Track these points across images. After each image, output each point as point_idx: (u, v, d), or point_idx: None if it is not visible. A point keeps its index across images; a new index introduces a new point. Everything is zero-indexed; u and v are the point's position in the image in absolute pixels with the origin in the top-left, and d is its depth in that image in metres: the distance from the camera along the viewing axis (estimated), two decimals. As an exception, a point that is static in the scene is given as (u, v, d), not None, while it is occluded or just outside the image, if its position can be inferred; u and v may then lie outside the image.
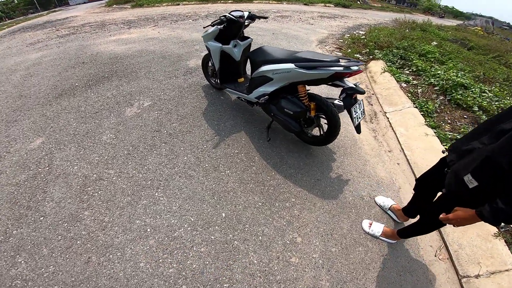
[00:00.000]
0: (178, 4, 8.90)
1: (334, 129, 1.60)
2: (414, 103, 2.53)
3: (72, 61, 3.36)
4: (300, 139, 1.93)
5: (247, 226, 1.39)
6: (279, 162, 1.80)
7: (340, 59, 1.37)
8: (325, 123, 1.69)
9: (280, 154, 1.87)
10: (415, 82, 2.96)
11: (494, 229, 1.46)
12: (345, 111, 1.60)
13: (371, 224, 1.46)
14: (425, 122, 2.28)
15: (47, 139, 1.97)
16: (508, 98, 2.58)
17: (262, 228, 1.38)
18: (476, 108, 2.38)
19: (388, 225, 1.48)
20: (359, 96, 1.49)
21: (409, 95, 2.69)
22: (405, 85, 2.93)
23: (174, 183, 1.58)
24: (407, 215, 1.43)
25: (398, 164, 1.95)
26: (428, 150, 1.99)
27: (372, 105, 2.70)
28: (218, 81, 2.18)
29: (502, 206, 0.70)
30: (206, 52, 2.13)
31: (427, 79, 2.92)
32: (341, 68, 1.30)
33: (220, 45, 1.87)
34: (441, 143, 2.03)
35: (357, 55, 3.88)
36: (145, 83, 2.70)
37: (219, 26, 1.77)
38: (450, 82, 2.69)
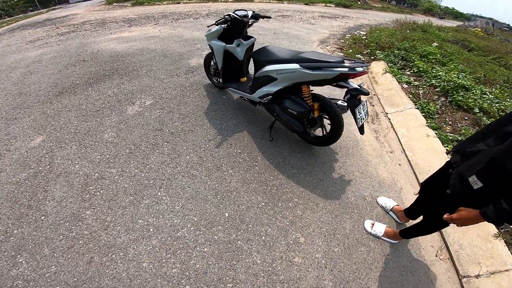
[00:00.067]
0: (179, 3, 8.86)
1: (337, 130, 1.60)
2: (415, 104, 2.54)
3: (72, 59, 3.33)
4: (303, 139, 1.93)
5: (250, 226, 1.39)
6: (281, 162, 1.80)
7: (344, 60, 1.36)
8: (328, 124, 1.69)
9: (283, 154, 1.87)
10: (416, 83, 2.96)
11: (494, 230, 1.47)
12: (348, 112, 1.61)
13: (373, 225, 1.47)
14: (426, 123, 2.28)
15: (48, 137, 1.95)
16: (508, 100, 2.59)
17: (265, 228, 1.38)
18: (477, 110, 2.39)
19: (390, 225, 1.48)
20: (362, 97, 1.49)
21: (411, 96, 2.69)
22: (407, 86, 2.94)
23: (176, 182, 1.58)
24: (409, 216, 1.44)
25: (399, 165, 1.96)
26: (429, 151, 2.00)
27: (373, 105, 2.70)
28: (221, 80, 2.17)
29: (506, 207, 0.71)
30: (208, 51, 2.12)
31: (429, 80, 2.93)
32: (346, 69, 1.30)
33: (224, 44, 1.86)
34: (442, 145, 2.04)
35: (359, 56, 3.88)
36: (146, 82, 2.69)
37: (223, 25, 1.77)
38: (451, 83, 2.70)
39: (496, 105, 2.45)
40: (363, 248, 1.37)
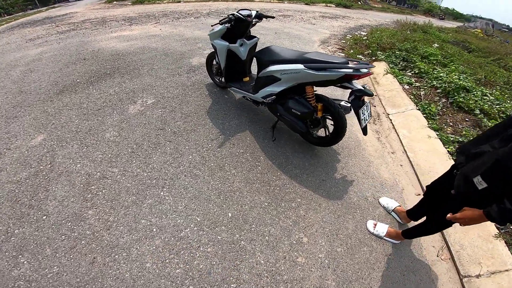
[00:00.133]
0: (179, 1, 8.82)
1: (340, 130, 1.60)
2: (416, 105, 2.55)
3: (73, 57, 3.31)
4: (305, 140, 1.93)
5: (253, 226, 1.38)
6: (284, 162, 1.80)
7: (349, 61, 1.37)
8: (331, 124, 1.69)
9: (285, 154, 1.87)
10: (417, 84, 2.97)
11: (494, 230, 1.49)
12: (351, 113, 1.61)
13: (375, 225, 1.47)
14: (427, 124, 2.29)
15: (49, 136, 1.94)
16: (509, 101, 2.60)
17: (268, 228, 1.38)
18: (477, 111, 2.41)
19: (392, 225, 1.49)
20: (366, 99, 1.49)
21: (412, 97, 2.70)
22: (408, 87, 2.95)
23: (179, 182, 1.57)
24: (411, 218, 1.45)
25: (401, 165, 1.97)
26: (430, 152, 2.01)
27: (375, 106, 2.71)
28: (223, 80, 2.17)
29: (509, 207, 0.72)
30: (209, 50, 2.12)
31: (430, 82, 2.94)
32: (351, 70, 1.30)
33: (227, 43, 1.86)
34: (444, 146, 2.05)
35: (360, 56, 3.89)
36: (148, 81, 2.67)
37: (226, 25, 1.76)
38: (452, 85, 2.71)
39: (497, 106, 2.47)
40: (366, 248, 1.37)
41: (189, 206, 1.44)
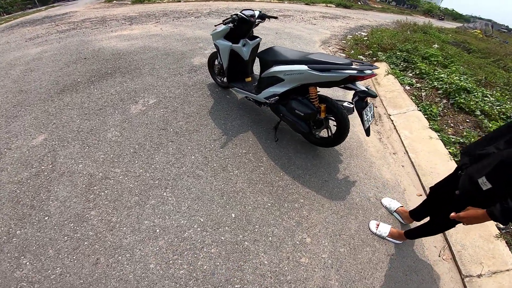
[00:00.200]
0: (179, 1, 8.80)
1: (343, 131, 1.60)
2: (418, 106, 2.56)
3: (73, 57, 3.29)
4: (307, 140, 1.93)
5: (257, 226, 1.38)
6: (287, 162, 1.80)
7: (353, 62, 1.37)
8: (333, 125, 1.69)
9: (288, 154, 1.87)
10: (418, 85, 2.98)
11: (495, 231, 1.50)
12: (354, 113, 1.61)
13: (378, 225, 1.48)
14: (429, 125, 2.30)
15: (50, 136, 1.93)
16: (509, 102, 2.62)
17: (272, 229, 1.38)
18: (478, 112, 2.42)
19: (394, 226, 1.50)
20: (369, 100, 1.49)
21: (413, 98, 2.71)
22: (409, 87, 2.96)
23: (182, 183, 1.57)
24: (414, 218, 1.45)
25: (402, 166, 1.97)
26: (432, 153, 2.02)
27: (376, 107, 2.71)
28: (225, 80, 2.16)
29: None
30: (210, 50, 2.11)
31: (431, 82, 2.95)
32: (355, 71, 1.30)
33: (230, 43, 1.85)
34: (445, 146, 2.06)
35: (361, 57, 3.89)
36: (149, 80, 2.66)
37: (230, 25, 1.76)
38: (453, 86, 2.72)
39: (497, 107, 2.48)
40: (368, 249, 1.38)
41: (192, 207, 1.44)
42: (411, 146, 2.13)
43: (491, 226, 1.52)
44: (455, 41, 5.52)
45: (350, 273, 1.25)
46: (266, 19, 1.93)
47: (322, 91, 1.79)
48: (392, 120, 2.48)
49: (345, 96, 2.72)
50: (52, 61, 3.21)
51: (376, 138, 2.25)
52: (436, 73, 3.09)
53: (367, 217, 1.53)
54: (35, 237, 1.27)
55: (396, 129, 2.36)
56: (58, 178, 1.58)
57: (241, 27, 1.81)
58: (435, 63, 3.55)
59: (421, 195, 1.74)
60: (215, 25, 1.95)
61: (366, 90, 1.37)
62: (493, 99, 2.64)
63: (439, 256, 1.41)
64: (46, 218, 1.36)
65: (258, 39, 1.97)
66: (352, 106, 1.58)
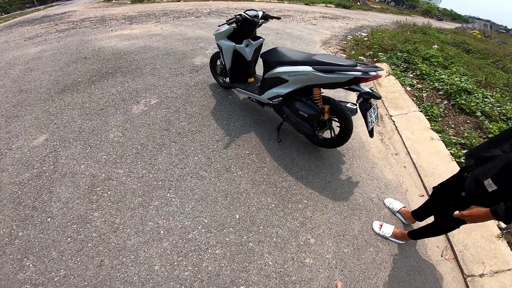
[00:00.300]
0: (179, 1, 8.77)
1: (347, 133, 1.61)
2: (419, 107, 2.57)
3: (73, 56, 3.27)
4: (310, 141, 1.94)
5: (261, 227, 1.38)
6: (290, 163, 1.80)
7: (357, 64, 1.37)
8: (337, 126, 1.70)
9: (291, 155, 1.87)
10: (419, 86, 3.00)
11: (497, 231, 1.51)
12: (357, 115, 1.62)
13: (381, 226, 1.49)
14: (430, 126, 2.31)
15: (51, 136, 1.91)
16: (509, 103, 2.64)
17: (276, 230, 1.38)
18: (479, 114, 2.43)
19: (397, 226, 1.50)
20: (372, 101, 1.50)
21: (414, 99, 2.72)
22: (410, 88, 2.97)
23: (185, 183, 1.56)
24: (416, 218, 1.46)
25: (404, 167, 1.98)
26: (433, 154, 2.03)
27: (377, 108, 2.72)
28: (227, 80, 2.16)
29: None
30: (211, 50, 2.10)
31: (431, 83, 2.97)
32: (360, 73, 1.30)
33: (234, 44, 1.85)
34: (446, 147, 2.08)
35: (361, 58, 3.90)
36: (150, 80, 2.65)
37: (233, 25, 1.75)
38: (454, 87, 2.74)
39: (498, 109, 2.50)
40: (372, 249, 1.39)
41: (196, 208, 1.44)
42: (413, 147, 2.14)
43: (492, 226, 1.53)
44: (454, 42, 5.56)
45: (354, 273, 1.26)
46: (269, 19, 1.93)
47: (325, 92, 1.79)
48: (393, 121, 2.48)
49: (346, 97, 2.73)
50: (52, 60, 3.19)
51: (378, 139, 2.25)
52: (437, 74, 3.10)
53: (370, 218, 1.54)
54: (38, 239, 1.26)
55: (397, 130, 2.37)
56: (60, 179, 1.57)
57: (244, 28, 1.80)
58: (435, 64, 3.56)
59: (423, 195, 1.75)
60: (219, 25, 1.95)
61: (371, 91, 1.37)
62: (493, 100, 2.65)
63: (442, 256, 1.42)
64: (49, 219, 1.35)
65: (261, 39, 1.97)
66: (355, 107, 1.59)
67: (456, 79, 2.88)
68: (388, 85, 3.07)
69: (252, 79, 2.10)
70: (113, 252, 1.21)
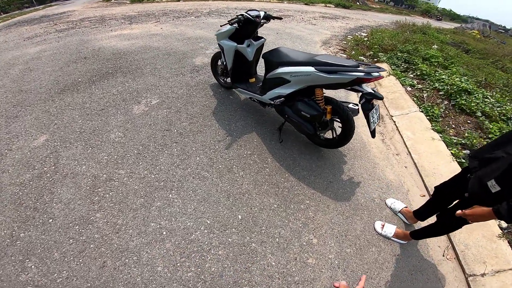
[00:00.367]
0: (179, 0, 8.75)
1: (348, 133, 1.61)
2: (419, 107, 2.58)
3: (73, 56, 3.25)
4: (312, 142, 1.94)
5: (263, 228, 1.38)
6: (292, 164, 1.80)
7: (360, 64, 1.37)
8: (338, 127, 1.70)
9: (293, 156, 1.87)
10: (419, 86, 3.01)
11: (498, 231, 1.52)
12: (359, 115, 1.62)
13: (383, 226, 1.49)
14: (431, 126, 2.32)
15: (52, 137, 1.90)
16: (509, 104, 2.65)
17: (278, 230, 1.38)
18: (479, 114, 2.44)
19: (398, 226, 1.51)
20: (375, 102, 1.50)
21: (415, 99, 2.73)
22: (410, 89, 2.97)
23: (187, 184, 1.56)
24: (418, 218, 1.47)
25: (405, 167, 1.99)
26: (434, 154, 2.04)
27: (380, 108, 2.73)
28: (228, 80, 2.15)
29: None
30: (211, 50, 2.09)
31: (432, 84, 2.98)
32: (362, 73, 1.30)
33: (235, 44, 1.85)
34: (447, 148, 2.08)
35: (362, 58, 3.91)
36: (151, 80, 2.64)
37: (235, 25, 1.75)
38: (454, 87, 2.75)
39: (498, 109, 2.51)
40: (374, 249, 1.39)
41: (199, 209, 1.43)
42: (414, 147, 2.14)
43: (493, 226, 1.54)
44: (453, 42, 5.57)
45: (356, 273, 1.26)
46: (271, 19, 1.93)
47: (327, 92, 1.79)
48: (394, 121, 2.49)
49: (347, 97, 2.73)
50: (52, 60, 3.17)
51: (379, 139, 2.26)
52: (437, 74, 3.11)
53: (372, 218, 1.54)
54: (40, 240, 1.25)
55: (398, 130, 2.38)
56: (61, 180, 1.56)
57: (246, 28, 1.80)
58: (435, 64, 3.57)
59: (424, 195, 1.76)
60: (221, 25, 1.94)
61: (373, 92, 1.37)
62: (493, 100, 2.67)
63: (443, 255, 1.43)
64: (50, 220, 1.34)
65: (262, 39, 1.97)
66: (357, 107, 1.59)
67: (456, 79, 2.89)
68: (388, 85, 3.07)
69: (253, 80, 2.10)
70: (115, 253, 1.21)
